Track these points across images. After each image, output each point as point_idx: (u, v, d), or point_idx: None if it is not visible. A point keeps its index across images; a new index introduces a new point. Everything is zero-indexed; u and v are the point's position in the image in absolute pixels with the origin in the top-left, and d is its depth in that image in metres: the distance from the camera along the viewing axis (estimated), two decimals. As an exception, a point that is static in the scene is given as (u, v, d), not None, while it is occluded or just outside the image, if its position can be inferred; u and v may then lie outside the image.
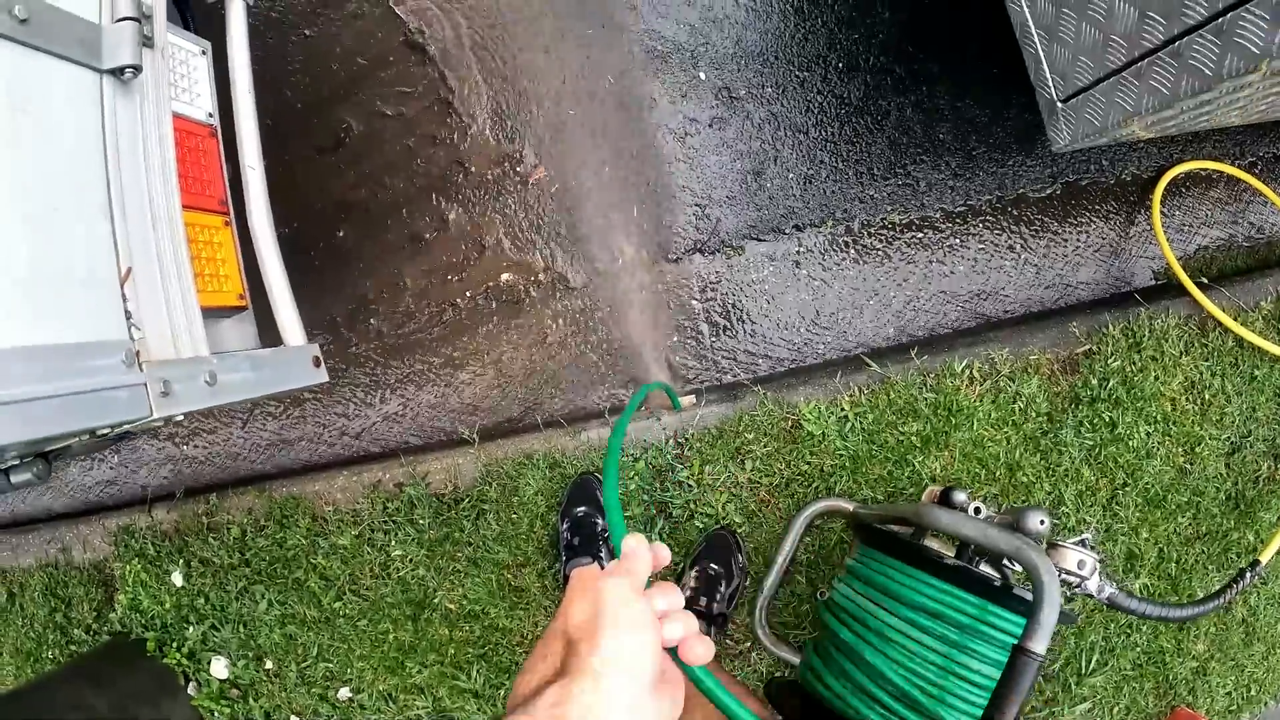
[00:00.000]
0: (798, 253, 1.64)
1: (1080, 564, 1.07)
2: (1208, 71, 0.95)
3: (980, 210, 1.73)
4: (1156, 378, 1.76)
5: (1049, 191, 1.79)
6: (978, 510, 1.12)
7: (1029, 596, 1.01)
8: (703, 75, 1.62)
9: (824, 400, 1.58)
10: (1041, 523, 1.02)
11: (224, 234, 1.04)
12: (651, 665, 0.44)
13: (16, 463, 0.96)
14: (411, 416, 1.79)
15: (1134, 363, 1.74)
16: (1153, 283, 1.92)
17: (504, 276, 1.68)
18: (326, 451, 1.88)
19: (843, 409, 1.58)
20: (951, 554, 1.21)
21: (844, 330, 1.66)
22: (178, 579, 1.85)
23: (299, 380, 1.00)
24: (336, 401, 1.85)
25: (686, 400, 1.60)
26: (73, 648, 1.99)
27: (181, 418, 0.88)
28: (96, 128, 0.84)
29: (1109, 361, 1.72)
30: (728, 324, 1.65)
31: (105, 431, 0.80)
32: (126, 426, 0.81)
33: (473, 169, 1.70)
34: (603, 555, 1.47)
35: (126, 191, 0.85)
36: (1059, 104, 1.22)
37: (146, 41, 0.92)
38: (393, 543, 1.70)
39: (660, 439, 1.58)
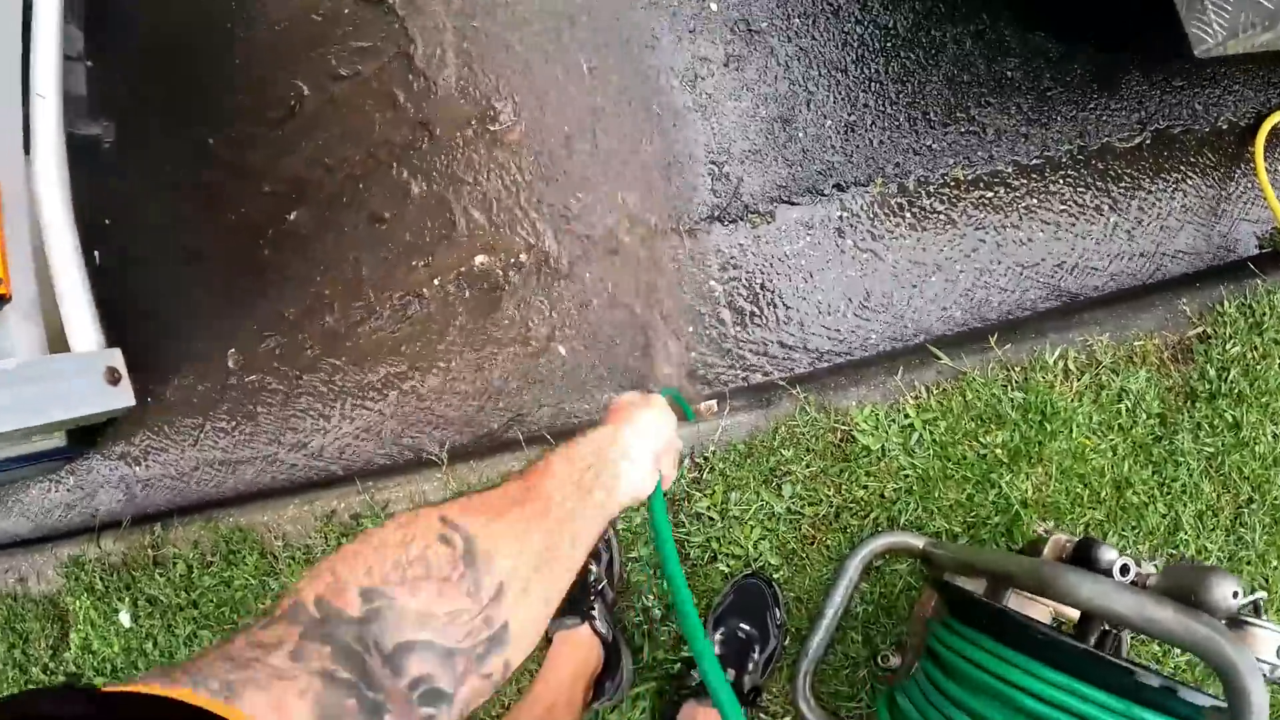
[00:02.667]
0: (840, 218, 1.32)
1: (1280, 650, 0.73)
2: None
3: (1060, 163, 1.41)
4: (1282, 365, 1.42)
5: (1138, 140, 1.47)
6: (1125, 570, 0.79)
7: (1195, 698, 0.69)
8: (713, 6, 1.32)
9: (882, 405, 1.25)
10: (1235, 595, 0.69)
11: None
12: (661, 446, 0.65)
13: None
14: (373, 431, 1.49)
15: (1256, 347, 1.41)
16: (1257, 250, 1.60)
17: (478, 260, 1.37)
18: (281, 473, 1.59)
19: (906, 415, 1.25)
20: (1047, 620, 0.87)
21: (901, 314, 1.33)
22: (125, 619, 1.66)
23: (77, 405, 0.67)
24: (292, 414, 1.56)
25: (706, 407, 1.28)
26: (31, 687, 1.81)
27: None
28: None
29: (1227, 347, 1.39)
30: (756, 309, 1.32)
31: None
32: None
33: (439, 132, 1.41)
34: (594, 613, 1.14)
35: None
36: (1206, -13, 0.90)
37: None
38: (349, 591, 1.39)
39: (674, 457, 1.25)
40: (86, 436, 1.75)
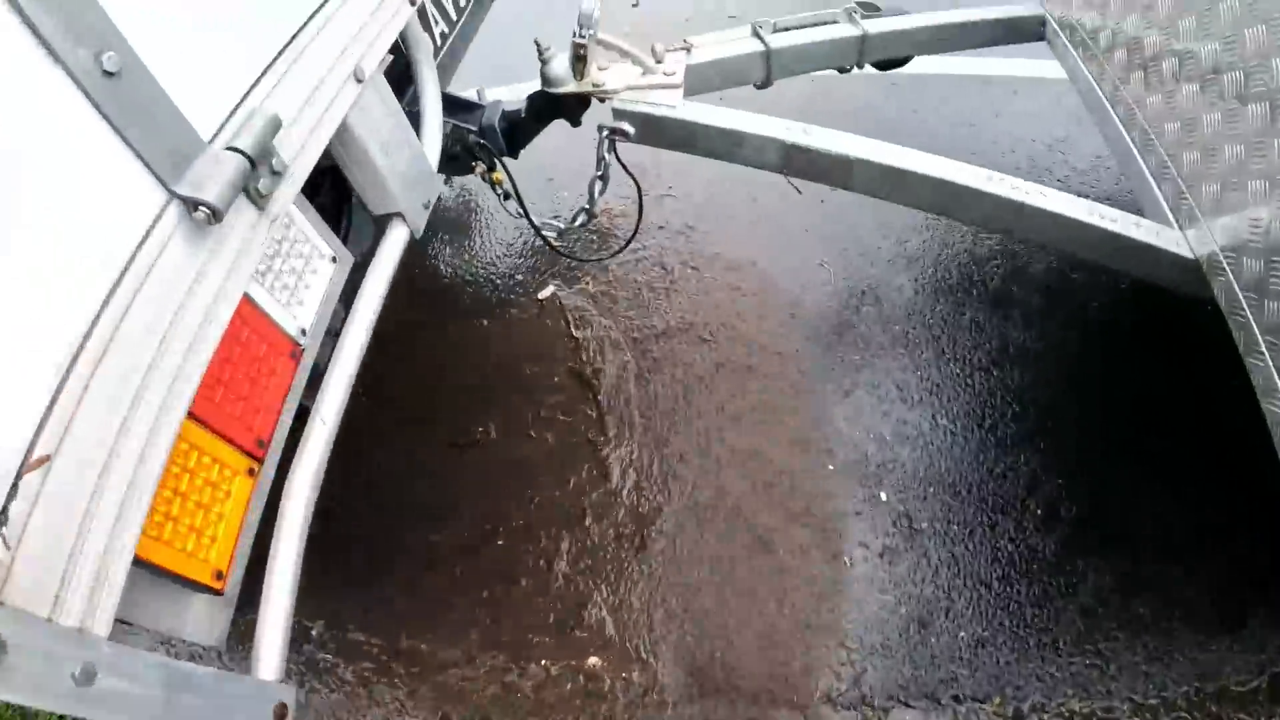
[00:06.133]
0: (954, 737, 1.33)
1: None
2: None
3: (1174, 703, 1.41)
4: None
5: (1254, 684, 1.47)
6: None
7: None
8: (883, 496, 1.37)
9: None
10: None
11: (240, 485, 0.77)
12: None
13: None
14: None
15: None
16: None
17: (591, 661, 1.39)
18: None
19: None
20: None
21: None
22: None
23: (227, 732, 0.65)
24: (347, 710, 1.55)
25: None
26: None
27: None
28: (127, 248, 0.62)
29: None
30: (851, 813, 1.32)
31: None
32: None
33: (595, 526, 1.46)
34: None
35: (114, 349, 0.59)
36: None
37: (256, 198, 0.72)
38: None
39: None
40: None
